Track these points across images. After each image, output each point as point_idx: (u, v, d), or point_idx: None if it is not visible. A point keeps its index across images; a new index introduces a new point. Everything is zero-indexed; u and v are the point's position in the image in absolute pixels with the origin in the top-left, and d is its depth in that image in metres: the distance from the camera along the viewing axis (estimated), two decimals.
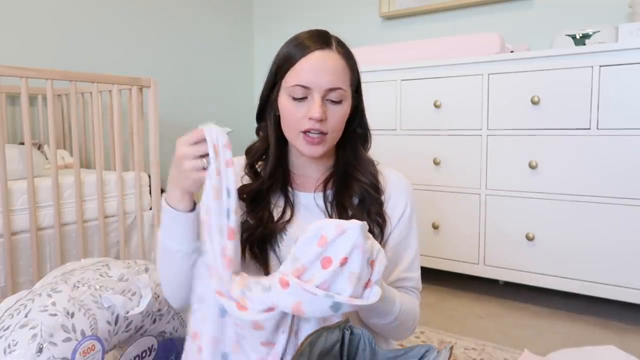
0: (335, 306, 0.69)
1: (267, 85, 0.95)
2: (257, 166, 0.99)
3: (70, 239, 1.79)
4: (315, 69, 0.87)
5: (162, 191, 2.51)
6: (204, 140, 0.77)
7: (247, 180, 0.98)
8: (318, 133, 0.88)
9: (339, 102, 0.89)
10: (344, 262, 0.69)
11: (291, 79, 0.88)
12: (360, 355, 0.77)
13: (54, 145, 1.73)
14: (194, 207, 0.83)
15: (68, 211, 1.78)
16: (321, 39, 0.90)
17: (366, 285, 0.72)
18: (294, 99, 0.88)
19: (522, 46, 2.10)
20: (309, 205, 0.97)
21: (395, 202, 0.98)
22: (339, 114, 0.89)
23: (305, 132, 0.88)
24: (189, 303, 0.85)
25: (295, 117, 0.89)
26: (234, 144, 0.79)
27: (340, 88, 0.88)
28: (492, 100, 1.92)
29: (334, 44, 0.90)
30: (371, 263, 0.72)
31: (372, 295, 0.71)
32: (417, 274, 1.00)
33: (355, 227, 0.69)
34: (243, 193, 0.96)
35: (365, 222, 0.71)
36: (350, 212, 0.93)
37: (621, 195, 1.69)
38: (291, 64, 0.89)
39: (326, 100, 0.88)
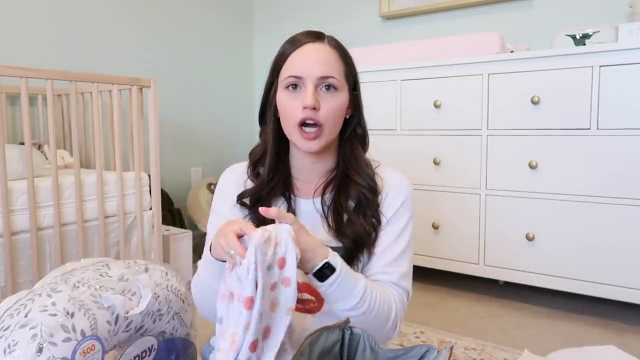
0: None
1: (266, 86, 0.97)
2: (260, 170, 0.99)
3: (70, 239, 1.79)
4: (307, 59, 0.90)
5: (163, 191, 2.51)
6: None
7: (250, 184, 0.99)
8: (313, 125, 0.89)
9: (332, 91, 0.90)
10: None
11: (285, 72, 0.91)
12: (360, 355, 0.77)
13: (54, 145, 1.73)
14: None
15: (68, 211, 1.78)
16: (313, 34, 0.94)
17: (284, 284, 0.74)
18: (289, 90, 0.91)
19: (522, 46, 2.10)
20: (310, 212, 0.97)
21: (391, 202, 0.97)
22: (332, 103, 0.90)
23: (300, 125, 0.89)
24: None
25: (290, 108, 0.90)
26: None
27: (332, 76, 0.89)
28: (492, 100, 1.92)
29: (326, 39, 0.94)
30: (280, 262, 0.73)
31: (288, 300, 0.73)
32: (401, 269, 0.95)
33: (253, 236, 0.71)
34: (244, 197, 0.96)
35: (263, 229, 0.72)
36: (345, 216, 0.93)
37: (621, 195, 1.69)
38: (285, 58, 0.92)
39: (320, 89, 0.90)
